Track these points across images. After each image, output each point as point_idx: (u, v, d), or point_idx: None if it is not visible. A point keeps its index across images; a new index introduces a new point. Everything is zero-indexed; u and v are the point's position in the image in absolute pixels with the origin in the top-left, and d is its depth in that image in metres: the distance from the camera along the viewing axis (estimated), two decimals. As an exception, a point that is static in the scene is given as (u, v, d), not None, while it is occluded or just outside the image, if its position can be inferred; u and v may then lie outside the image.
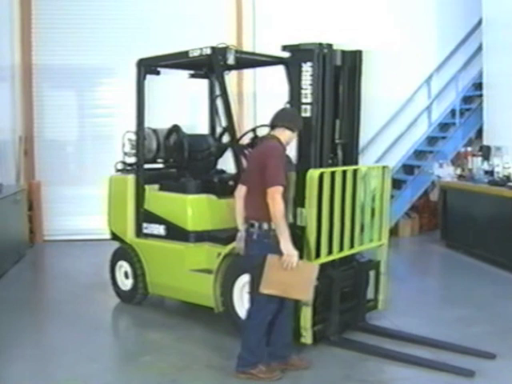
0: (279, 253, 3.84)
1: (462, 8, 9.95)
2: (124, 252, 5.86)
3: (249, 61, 5.57)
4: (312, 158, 4.56)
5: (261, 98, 9.46)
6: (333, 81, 4.71)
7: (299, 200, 4.36)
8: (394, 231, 8.86)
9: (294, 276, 3.81)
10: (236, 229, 4.97)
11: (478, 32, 9.71)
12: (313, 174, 4.28)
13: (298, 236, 4.26)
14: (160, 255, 5.52)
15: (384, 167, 4.99)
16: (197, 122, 7.44)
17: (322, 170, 4.40)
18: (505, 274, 6.90)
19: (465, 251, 7.97)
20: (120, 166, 6.00)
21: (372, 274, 5.07)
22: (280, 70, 5.20)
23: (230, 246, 4.81)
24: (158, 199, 5.62)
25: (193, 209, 5.33)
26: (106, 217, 6.07)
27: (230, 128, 4.94)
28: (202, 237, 5.26)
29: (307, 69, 4.56)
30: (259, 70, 7.68)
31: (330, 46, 4.67)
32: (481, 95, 9.54)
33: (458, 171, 8.53)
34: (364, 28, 9.44)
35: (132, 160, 5.90)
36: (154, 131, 5.87)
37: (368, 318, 5.01)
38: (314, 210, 4.28)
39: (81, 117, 9.72)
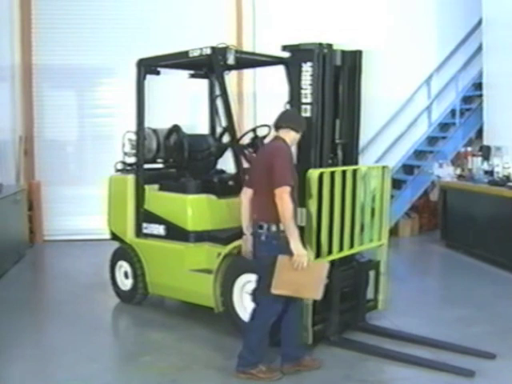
0: (288, 253, 3.83)
1: (462, 8, 9.95)
2: (124, 252, 5.86)
3: (249, 61, 5.57)
4: (312, 158, 4.56)
5: (261, 98, 9.47)
6: (333, 81, 4.71)
7: (299, 200, 4.35)
8: (393, 231, 8.86)
9: (304, 275, 3.81)
10: (236, 229, 5.01)
11: (478, 32, 9.71)
12: (313, 174, 4.29)
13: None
14: (160, 255, 5.52)
15: (384, 167, 4.99)
16: (197, 122, 7.44)
17: (321, 170, 4.40)
18: (505, 274, 6.89)
19: (465, 251, 7.97)
20: (120, 166, 6.00)
21: (372, 274, 5.07)
22: (280, 70, 5.20)
23: (230, 246, 4.82)
24: (158, 199, 5.62)
25: (193, 209, 5.33)
26: (105, 217, 6.07)
27: (230, 128, 4.94)
28: (201, 237, 5.26)
29: (307, 69, 4.56)
30: (259, 70, 7.69)
31: (330, 46, 4.67)
32: (481, 95, 9.54)
33: (458, 171, 8.53)
34: (364, 28, 9.44)
35: (132, 160, 5.90)
36: (154, 131, 5.87)
37: (368, 318, 5.01)
38: (314, 210, 4.28)
39: (81, 117, 9.72)
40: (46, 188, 9.30)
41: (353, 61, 4.81)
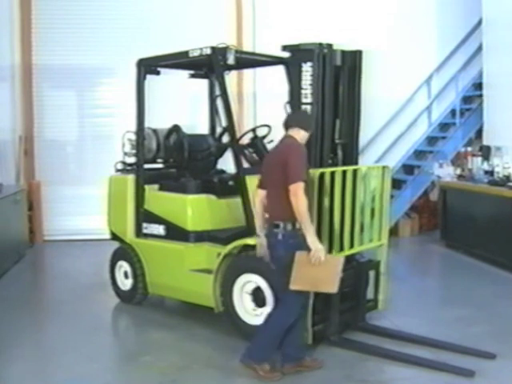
0: (305, 250, 3.85)
1: (462, 8, 9.95)
2: (124, 252, 5.86)
3: (249, 61, 5.57)
4: (312, 158, 4.55)
5: (261, 98, 9.47)
6: (333, 81, 4.71)
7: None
8: (393, 231, 8.85)
9: (321, 270, 3.83)
10: (236, 229, 5.03)
11: (478, 32, 9.72)
12: (313, 174, 4.28)
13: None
14: (160, 255, 5.52)
15: (384, 167, 4.99)
16: (197, 122, 7.44)
17: (321, 169, 4.40)
18: (505, 273, 6.89)
19: (465, 251, 7.96)
20: (120, 166, 6.00)
21: (372, 274, 5.07)
22: (280, 70, 5.20)
23: (230, 246, 4.82)
24: (158, 199, 5.62)
25: (193, 209, 5.33)
26: (105, 217, 6.07)
27: (230, 128, 4.94)
28: (201, 237, 5.26)
29: (307, 69, 4.57)
30: (259, 69, 7.68)
31: (330, 45, 4.67)
32: (481, 95, 9.54)
33: (458, 171, 8.53)
34: (364, 28, 9.44)
35: (132, 160, 5.90)
36: (154, 131, 5.87)
37: (368, 318, 5.01)
38: (314, 209, 4.28)
39: (81, 117, 9.72)
40: (46, 188, 9.30)
41: (353, 61, 4.82)
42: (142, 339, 5.11)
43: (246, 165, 5.12)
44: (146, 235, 5.67)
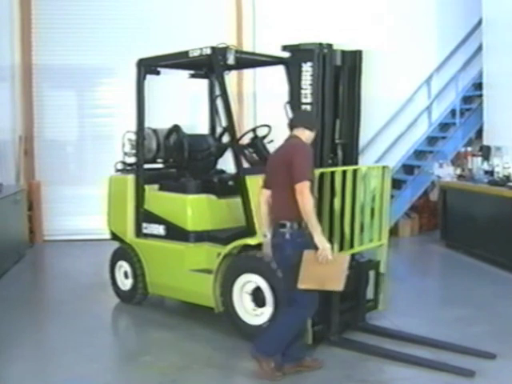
0: (312, 248, 3.86)
1: (462, 8, 9.95)
2: (124, 252, 5.86)
3: (249, 61, 5.57)
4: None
5: (261, 98, 9.47)
6: (333, 81, 4.71)
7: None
8: (393, 231, 8.85)
9: (328, 268, 3.84)
10: (236, 229, 5.02)
11: (478, 32, 9.71)
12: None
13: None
14: (160, 255, 5.52)
15: (384, 167, 4.99)
16: (197, 122, 7.44)
17: (322, 169, 4.40)
18: (505, 274, 6.89)
19: (465, 251, 7.96)
20: (120, 166, 6.00)
21: (372, 273, 5.07)
22: (280, 70, 5.20)
23: (229, 246, 4.82)
24: (158, 199, 5.62)
25: (193, 209, 5.33)
26: (105, 217, 6.07)
27: (230, 128, 4.94)
28: (201, 237, 5.26)
29: (307, 69, 4.56)
30: (259, 69, 7.68)
31: (330, 45, 4.67)
32: (481, 95, 9.54)
33: (458, 171, 8.53)
34: (364, 28, 9.44)
35: (132, 160, 5.90)
36: (154, 131, 5.87)
37: (368, 318, 5.01)
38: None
39: (81, 117, 9.72)
40: (46, 188, 9.30)
41: (353, 61, 4.81)
42: (142, 339, 5.11)
43: (246, 165, 5.12)
44: (146, 235, 5.67)
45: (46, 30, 9.24)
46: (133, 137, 5.83)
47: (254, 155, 5.35)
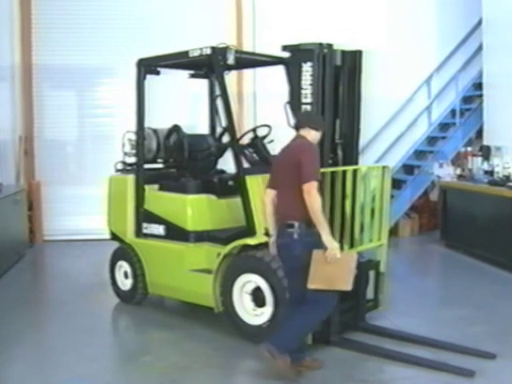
0: (320, 248, 3.87)
1: (462, 8, 9.95)
2: (124, 252, 5.86)
3: (249, 61, 5.57)
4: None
5: (261, 98, 9.47)
6: (333, 81, 4.71)
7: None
8: (393, 231, 8.86)
9: (336, 268, 3.85)
10: (236, 229, 5.02)
11: (478, 32, 9.71)
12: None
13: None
14: (160, 255, 5.52)
15: (384, 167, 4.99)
16: (197, 122, 7.43)
17: (322, 169, 4.40)
18: (505, 273, 6.89)
19: (465, 251, 7.96)
20: (120, 166, 6.00)
21: (372, 273, 5.07)
22: (280, 70, 5.20)
23: (229, 246, 4.82)
24: (158, 199, 5.62)
25: (193, 209, 5.33)
26: (105, 217, 6.07)
27: (230, 128, 4.94)
28: (201, 237, 5.26)
29: (307, 69, 4.57)
30: (259, 69, 7.68)
31: (330, 45, 4.67)
32: (481, 95, 9.54)
33: (458, 171, 8.53)
34: (364, 28, 9.44)
35: (132, 160, 5.90)
36: (154, 131, 5.87)
37: (368, 318, 5.01)
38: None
39: (81, 117, 9.72)
40: (46, 188, 9.30)
41: (353, 61, 4.81)
42: (142, 339, 5.11)
43: (246, 165, 5.12)
44: (146, 235, 5.66)
45: (45, 30, 9.24)
46: (133, 137, 5.83)
47: (254, 155, 5.35)
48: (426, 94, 10.26)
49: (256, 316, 4.70)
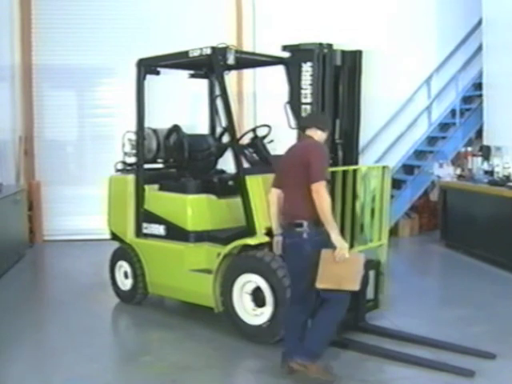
0: (329, 247, 3.88)
1: (462, 8, 9.95)
2: (124, 252, 5.86)
3: (249, 61, 5.57)
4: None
5: (261, 98, 9.47)
6: (333, 81, 4.71)
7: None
8: (393, 231, 8.85)
9: (345, 268, 3.85)
10: (236, 229, 5.02)
11: (478, 32, 9.72)
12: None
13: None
14: (160, 255, 5.52)
15: (384, 167, 4.99)
16: (197, 122, 7.43)
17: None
18: (505, 273, 6.89)
19: (465, 251, 7.96)
20: (120, 166, 6.00)
21: (372, 273, 5.06)
22: (280, 70, 5.20)
23: (229, 246, 4.82)
24: (158, 199, 5.62)
25: (193, 209, 5.33)
26: (105, 217, 6.07)
27: (230, 128, 4.94)
28: (201, 237, 5.26)
29: (307, 69, 4.57)
30: (259, 69, 7.68)
31: (330, 45, 4.68)
32: (481, 95, 9.54)
33: (458, 171, 8.53)
34: (364, 28, 9.44)
35: (132, 160, 5.90)
36: (154, 131, 5.87)
37: (368, 318, 5.01)
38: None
39: (81, 117, 9.72)
40: (46, 188, 9.30)
41: (353, 61, 4.82)
42: (141, 339, 5.11)
43: (246, 165, 5.12)
44: (146, 235, 5.66)
45: (45, 29, 9.24)
46: (133, 137, 5.83)
47: (254, 155, 5.35)
48: (426, 94, 10.26)
49: (256, 316, 4.70)
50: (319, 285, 3.87)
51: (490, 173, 7.83)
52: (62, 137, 9.58)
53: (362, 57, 4.83)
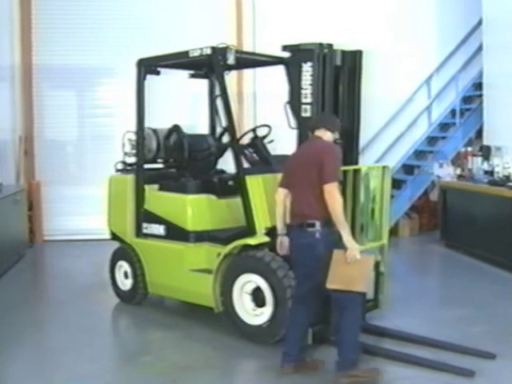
0: (339, 248, 3.88)
1: (462, 8, 9.95)
2: (124, 252, 5.86)
3: (249, 61, 5.57)
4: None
5: (261, 98, 9.47)
6: (333, 81, 4.71)
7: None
8: (393, 231, 8.85)
9: (355, 269, 3.86)
10: (236, 229, 5.02)
11: (478, 32, 9.72)
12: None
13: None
14: (160, 255, 5.52)
15: (384, 167, 4.99)
16: (197, 122, 7.44)
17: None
18: (505, 273, 6.89)
19: (465, 251, 7.96)
20: (120, 166, 6.00)
21: (372, 274, 5.06)
22: (280, 70, 5.20)
23: (229, 246, 4.82)
24: (158, 199, 5.62)
25: (193, 209, 5.33)
26: (105, 217, 6.07)
27: (230, 128, 4.94)
28: (201, 237, 5.26)
29: (307, 69, 4.57)
30: (259, 69, 7.68)
31: (330, 45, 4.67)
32: (481, 95, 9.54)
33: (458, 171, 8.53)
34: (364, 28, 9.44)
35: (132, 160, 5.90)
36: (154, 131, 5.87)
37: (368, 318, 5.00)
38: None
39: (81, 117, 9.72)
40: (46, 188, 9.31)
41: (353, 61, 4.81)
42: (141, 339, 5.11)
43: (246, 165, 5.12)
44: (146, 235, 5.66)
45: (45, 29, 9.24)
46: (133, 137, 5.83)
47: (254, 155, 5.35)
48: (426, 94, 10.27)
49: (256, 316, 4.70)
50: (330, 285, 3.87)
51: (490, 173, 7.83)
52: (62, 137, 9.59)
53: (362, 57, 4.83)
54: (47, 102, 9.35)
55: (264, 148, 5.38)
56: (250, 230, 4.77)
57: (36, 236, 9.16)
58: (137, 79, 5.67)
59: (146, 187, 5.69)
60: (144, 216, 5.67)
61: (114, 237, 6.01)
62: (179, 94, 8.86)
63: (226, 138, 5.70)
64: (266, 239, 4.66)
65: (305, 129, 4.57)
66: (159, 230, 5.53)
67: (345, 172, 4.56)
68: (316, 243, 3.97)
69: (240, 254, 4.82)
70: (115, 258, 5.99)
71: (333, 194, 3.84)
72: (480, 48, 9.52)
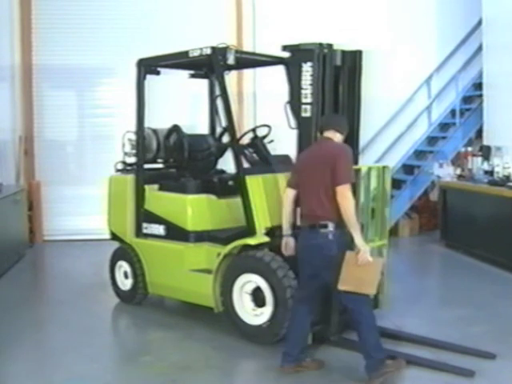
0: (350, 249, 3.89)
1: (462, 8, 9.95)
2: (124, 252, 5.86)
3: (249, 61, 5.57)
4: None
5: (261, 98, 9.47)
6: (333, 81, 4.71)
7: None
8: (393, 231, 8.86)
9: (366, 271, 3.87)
10: (236, 229, 5.02)
11: (478, 32, 9.72)
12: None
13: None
14: (160, 255, 5.52)
15: (384, 167, 4.99)
16: (197, 122, 7.44)
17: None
18: (505, 273, 6.89)
19: (465, 251, 7.96)
20: (120, 166, 6.00)
21: (372, 274, 5.06)
22: (280, 69, 5.20)
23: (229, 246, 4.82)
24: (158, 199, 5.62)
25: (193, 209, 5.33)
26: (105, 217, 6.07)
27: (230, 128, 4.94)
28: (201, 237, 5.26)
29: (307, 69, 4.57)
30: (259, 69, 7.68)
31: (330, 45, 4.67)
32: (481, 95, 9.54)
33: (458, 171, 8.53)
34: (364, 28, 9.44)
35: (132, 160, 5.90)
36: (154, 131, 5.87)
37: (368, 318, 5.00)
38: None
39: (81, 117, 9.72)
40: (46, 188, 9.31)
41: (353, 61, 4.81)
42: (141, 339, 5.11)
43: (246, 165, 5.12)
44: (146, 235, 5.66)
45: (45, 30, 9.24)
46: (133, 137, 5.83)
47: (254, 155, 5.35)
48: (426, 94, 10.27)
49: (256, 316, 4.70)
50: (341, 286, 3.88)
51: (490, 173, 7.83)
52: (62, 137, 9.59)
53: (362, 57, 4.83)
54: (47, 102, 9.35)
55: (264, 148, 5.38)
56: (249, 230, 4.77)
57: (36, 236, 9.16)
58: (137, 79, 5.67)
59: (146, 187, 5.69)
60: (144, 216, 5.67)
61: (114, 237, 6.01)
62: (179, 94, 8.87)
63: (226, 138, 5.70)
64: (266, 239, 4.66)
65: (305, 129, 4.58)
66: (159, 230, 5.53)
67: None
68: (329, 244, 3.96)
69: (240, 253, 4.82)
70: (115, 257, 5.99)
71: (346, 195, 3.85)
72: (480, 48, 9.52)
